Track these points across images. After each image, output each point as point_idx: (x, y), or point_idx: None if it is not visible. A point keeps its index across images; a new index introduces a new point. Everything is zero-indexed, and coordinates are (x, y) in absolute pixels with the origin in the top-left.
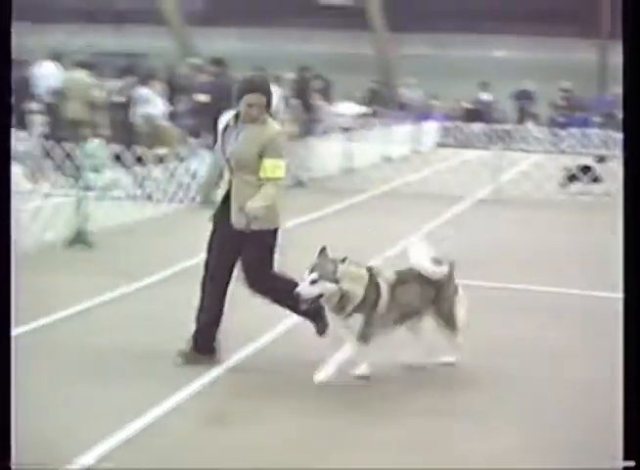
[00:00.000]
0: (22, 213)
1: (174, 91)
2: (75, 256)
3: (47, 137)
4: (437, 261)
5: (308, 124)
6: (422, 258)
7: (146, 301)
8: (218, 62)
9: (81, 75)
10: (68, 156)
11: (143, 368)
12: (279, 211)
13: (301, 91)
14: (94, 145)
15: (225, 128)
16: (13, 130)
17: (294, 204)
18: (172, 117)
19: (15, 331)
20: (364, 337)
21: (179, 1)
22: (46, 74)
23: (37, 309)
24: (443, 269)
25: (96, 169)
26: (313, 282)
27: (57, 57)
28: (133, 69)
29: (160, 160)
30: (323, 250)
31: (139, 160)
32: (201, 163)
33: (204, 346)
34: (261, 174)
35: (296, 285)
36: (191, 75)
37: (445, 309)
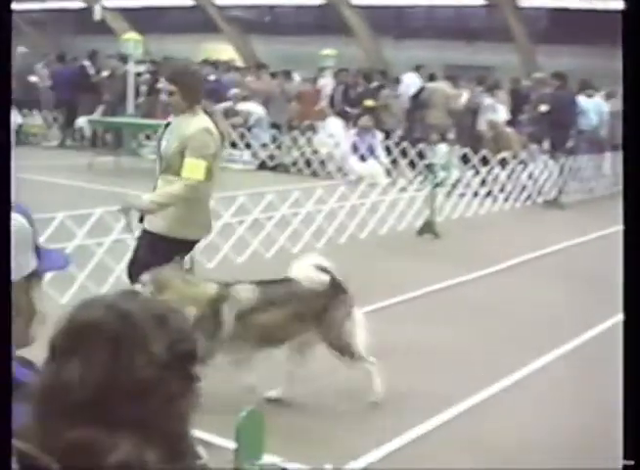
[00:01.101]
0: (381, 204)
1: (517, 101)
2: (424, 243)
3: (403, 139)
4: (323, 271)
5: None
6: (303, 268)
7: (482, 289)
8: (559, 76)
9: (443, 86)
10: (421, 155)
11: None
12: (191, 222)
13: None
14: (444, 147)
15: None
16: (377, 131)
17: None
18: (514, 124)
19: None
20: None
21: (525, 21)
22: (409, 84)
23: (386, 289)
24: (323, 278)
25: (445, 168)
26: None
27: (417, 69)
28: (481, 80)
29: (503, 162)
30: (178, 260)
31: (484, 161)
32: (539, 167)
33: None
34: (182, 174)
35: None
36: (534, 88)
37: (333, 334)
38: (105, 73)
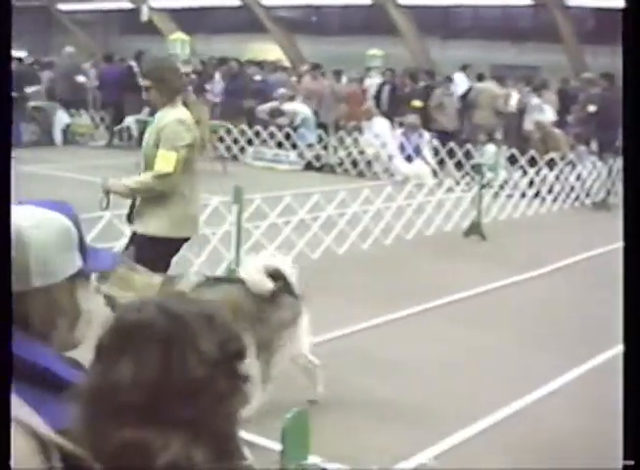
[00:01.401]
0: (427, 205)
1: (565, 102)
2: (470, 245)
3: (450, 139)
4: (274, 274)
5: None
6: (249, 270)
7: (528, 292)
8: (608, 76)
9: (490, 86)
10: (468, 156)
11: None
12: (180, 219)
13: None
14: (491, 147)
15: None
16: (424, 130)
17: None
18: (562, 124)
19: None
20: None
21: (572, 20)
22: (458, 83)
23: (431, 290)
24: (266, 284)
25: (492, 169)
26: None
27: (464, 68)
28: (529, 80)
29: (551, 163)
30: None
31: (531, 162)
32: (587, 168)
33: None
34: (154, 166)
35: None
36: (582, 88)
37: (263, 336)
38: None
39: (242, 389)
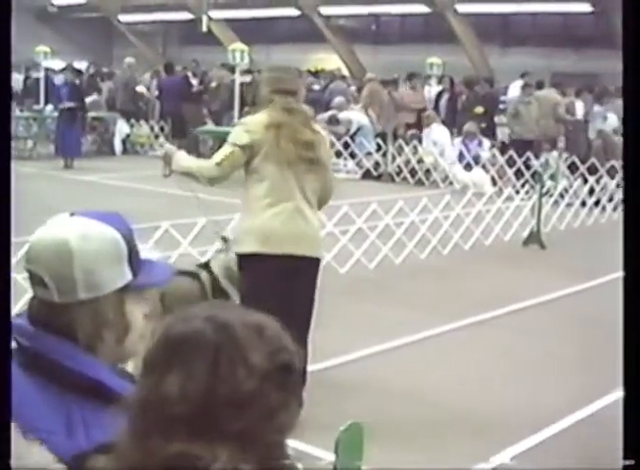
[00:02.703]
0: (486, 214)
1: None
2: (529, 254)
3: (506, 148)
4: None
5: None
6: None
7: (589, 302)
8: None
9: (551, 93)
10: (528, 165)
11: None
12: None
13: None
14: (551, 156)
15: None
16: (484, 138)
17: None
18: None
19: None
20: None
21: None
22: (513, 91)
23: (491, 300)
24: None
25: (552, 178)
26: None
27: (523, 76)
28: (590, 88)
29: (612, 171)
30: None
31: (592, 170)
32: None
33: None
34: None
35: None
36: None
37: None
38: (213, 84)
39: (292, 402)
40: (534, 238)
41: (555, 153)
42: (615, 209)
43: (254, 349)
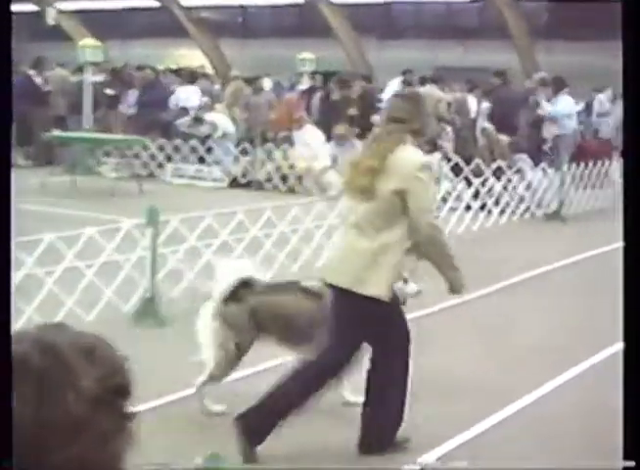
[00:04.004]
0: None
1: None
2: (411, 264)
3: None
4: None
5: None
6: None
7: (480, 310)
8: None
9: (432, 90)
10: None
11: None
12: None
13: None
14: (434, 157)
15: None
16: (358, 141)
17: None
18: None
19: None
20: None
21: (523, 16)
22: (393, 88)
23: None
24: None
25: (435, 181)
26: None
27: (404, 72)
28: (473, 83)
29: (498, 172)
30: None
31: (477, 172)
32: (538, 176)
33: None
34: None
35: None
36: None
37: None
38: (49, 87)
39: (126, 426)
40: (415, 247)
41: (437, 154)
42: (502, 212)
43: (84, 372)
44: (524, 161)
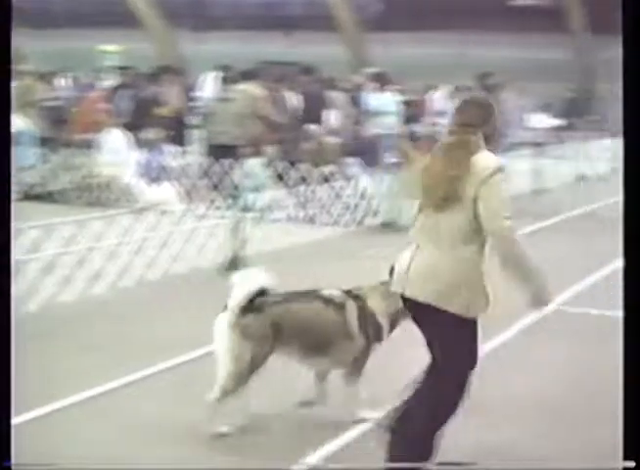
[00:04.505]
0: (176, 235)
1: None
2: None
3: (205, 154)
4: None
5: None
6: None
7: None
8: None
9: (248, 88)
10: (227, 174)
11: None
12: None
13: None
14: (255, 163)
15: None
16: (169, 146)
17: None
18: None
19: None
20: None
21: (352, 6)
22: (209, 85)
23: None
24: None
25: (256, 189)
26: None
27: (222, 67)
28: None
29: (325, 179)
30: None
31: (303, 179)
32: (369, 183)
33: None
34: None
35: None
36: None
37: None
38: None
39: None
40: (237, 263)
41: (260, 159)
42: (333, 223)
43: None
44: (356, 165)
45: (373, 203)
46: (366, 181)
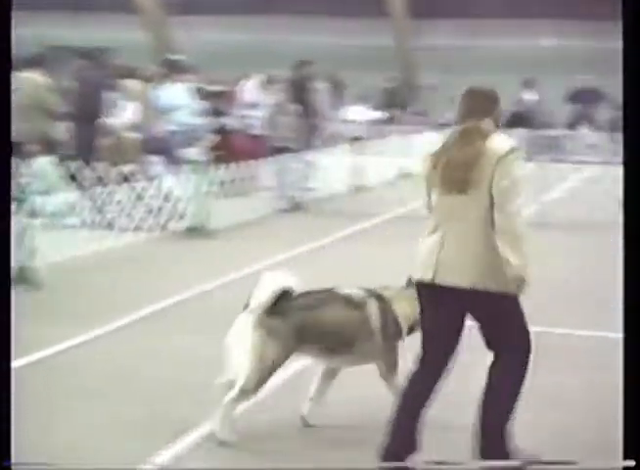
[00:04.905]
0: None
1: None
2: (18, 299)
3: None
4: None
5: (309, 134)
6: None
7: (104, 351)
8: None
9: (32, 76)
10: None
11: None
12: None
13: (300, 92)
14: (44, 162)
15: None
16: None
17: (290, 230)
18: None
19: None
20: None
21: None
22: None
23: None
24: None
25: (45, 191)
26: None
27: None
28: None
29: (125, 179)
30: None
31: (100, 179)
32: (179, 184)
33: None
34: None
35: None
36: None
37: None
38: None
39: None
40: (23, 276)
41: (49, 158)
42: (137, 229)
43: None
44: (159, 164)
45: (179, 205)
46: (171, 181)
